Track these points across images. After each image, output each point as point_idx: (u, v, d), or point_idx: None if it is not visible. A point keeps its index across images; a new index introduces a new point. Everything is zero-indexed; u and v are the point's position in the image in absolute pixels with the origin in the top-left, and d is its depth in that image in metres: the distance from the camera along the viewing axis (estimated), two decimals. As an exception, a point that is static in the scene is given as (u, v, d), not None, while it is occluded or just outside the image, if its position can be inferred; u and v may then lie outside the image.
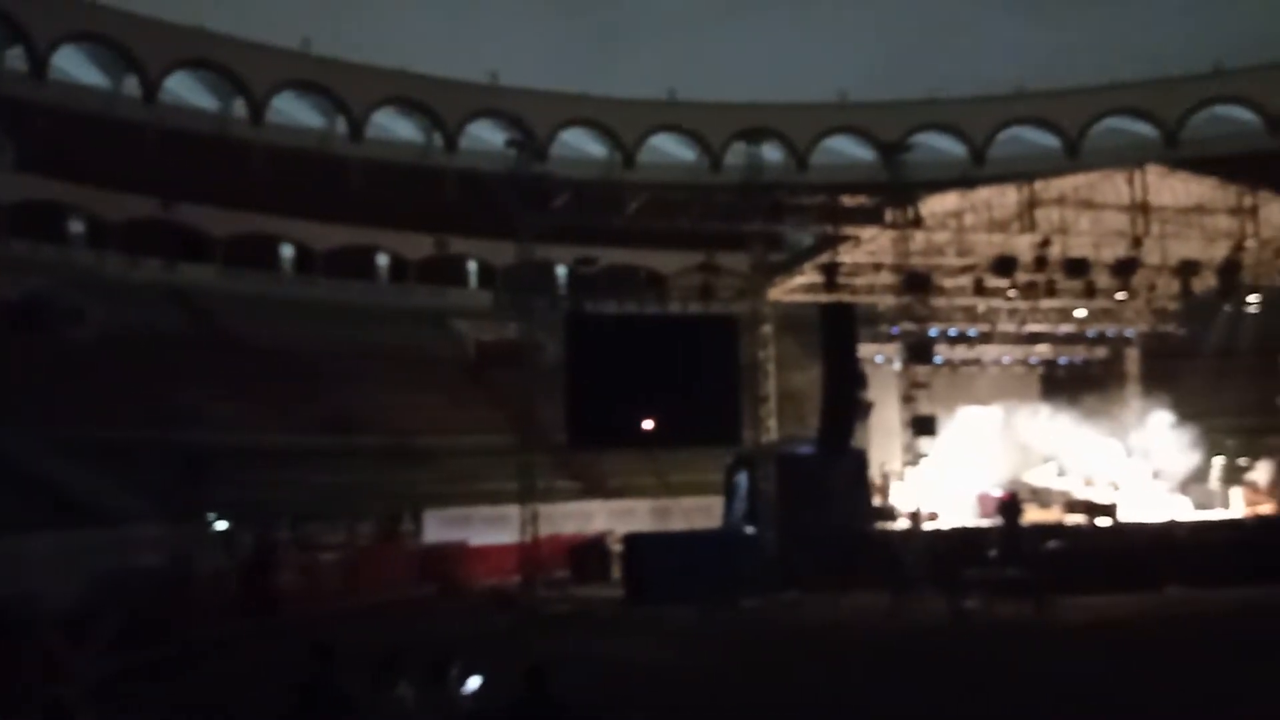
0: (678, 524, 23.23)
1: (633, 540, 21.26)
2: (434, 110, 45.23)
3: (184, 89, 41.36)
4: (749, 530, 20.61)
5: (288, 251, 41.13)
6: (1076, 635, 15.71)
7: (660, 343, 20.42)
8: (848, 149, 47.24)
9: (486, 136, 44.28)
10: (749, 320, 21.52)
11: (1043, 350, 26.44)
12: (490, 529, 24.26)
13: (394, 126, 45.62)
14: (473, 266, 43.97)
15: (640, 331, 20.48)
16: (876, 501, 22.26)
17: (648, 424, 19.79)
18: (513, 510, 20.36)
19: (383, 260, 42.90)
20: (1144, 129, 45.33)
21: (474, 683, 7.76)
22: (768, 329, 21.59)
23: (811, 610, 18.37)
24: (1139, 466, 24.43)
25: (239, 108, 42.02)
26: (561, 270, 32.65)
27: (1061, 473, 24.36)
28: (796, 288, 23.03)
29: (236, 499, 22.43)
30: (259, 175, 39.62)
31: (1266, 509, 22.78)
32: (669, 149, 48.46)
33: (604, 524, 24.83)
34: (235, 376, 29.19)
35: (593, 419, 20.28)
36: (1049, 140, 46.43)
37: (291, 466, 25.71)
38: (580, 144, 47.69)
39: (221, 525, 21.51)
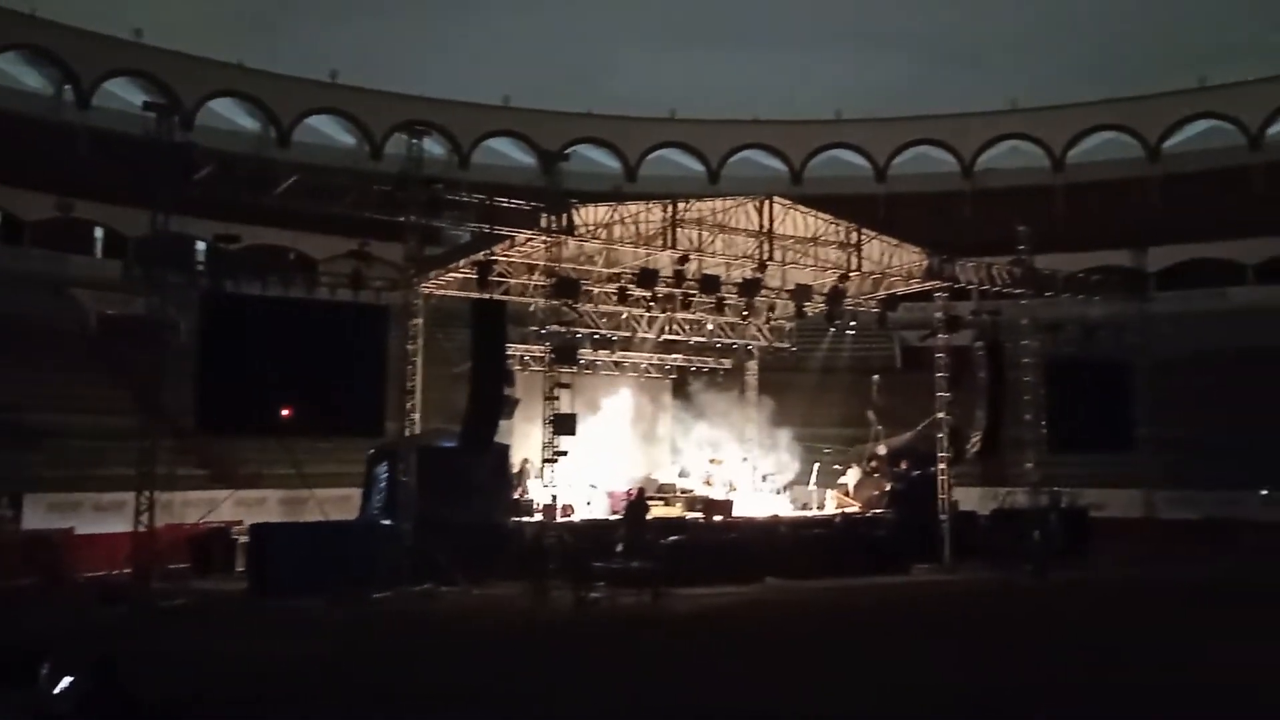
0: (312, 516, 22.62)
1: (259, 530, 20.48)
2: (66, 62, 41.14)
3: None
4: (385, 523, 20.53)
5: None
6: (683, 621, 17.13)
7: (304, 329, 19.81)
8: (509, 152, 48.14)
9: (126, 96, 40.90)
10: (399, 311, 21.44)
11: (676, 358, 28.38)
12: (102, 517, 22.50)
13: (20, 75, 41.02)
14: (100, 233, 40.39)
15: (283, 315, 19.77)
16: (516, 496, 22.92)
17: (285, 412, 19.19)
18: (130, 497, 18.99)
19: (-7, 219, 38.41)
20: (775, 164, 49.79)
21: (66, 682, 7.34)
22: (418, 322, 21.61)
23: (445, 602, 18.65)
24: (752, 468, 26.89)
25: None
26: (201, 246, 30.80)
27: (685, 473, 26.30)
28: (450, 282, 23.27)
29: None
30: None
31: (852, 509, 25.87)
32: (328, 131, 47.07)
33: (231, 514, 23.73)
34: None
35: (226, 404, 19.31)
36: (694, 165, 49.75)
37: None
38: (232, 116, 45.24)
39: None
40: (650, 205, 22.87)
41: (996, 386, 25.79)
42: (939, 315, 26.13)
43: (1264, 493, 27.76)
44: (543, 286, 22.45)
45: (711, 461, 26.56)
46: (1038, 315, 26.75)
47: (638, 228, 22.48)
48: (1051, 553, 23.30)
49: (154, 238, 19.06)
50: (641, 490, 22.54)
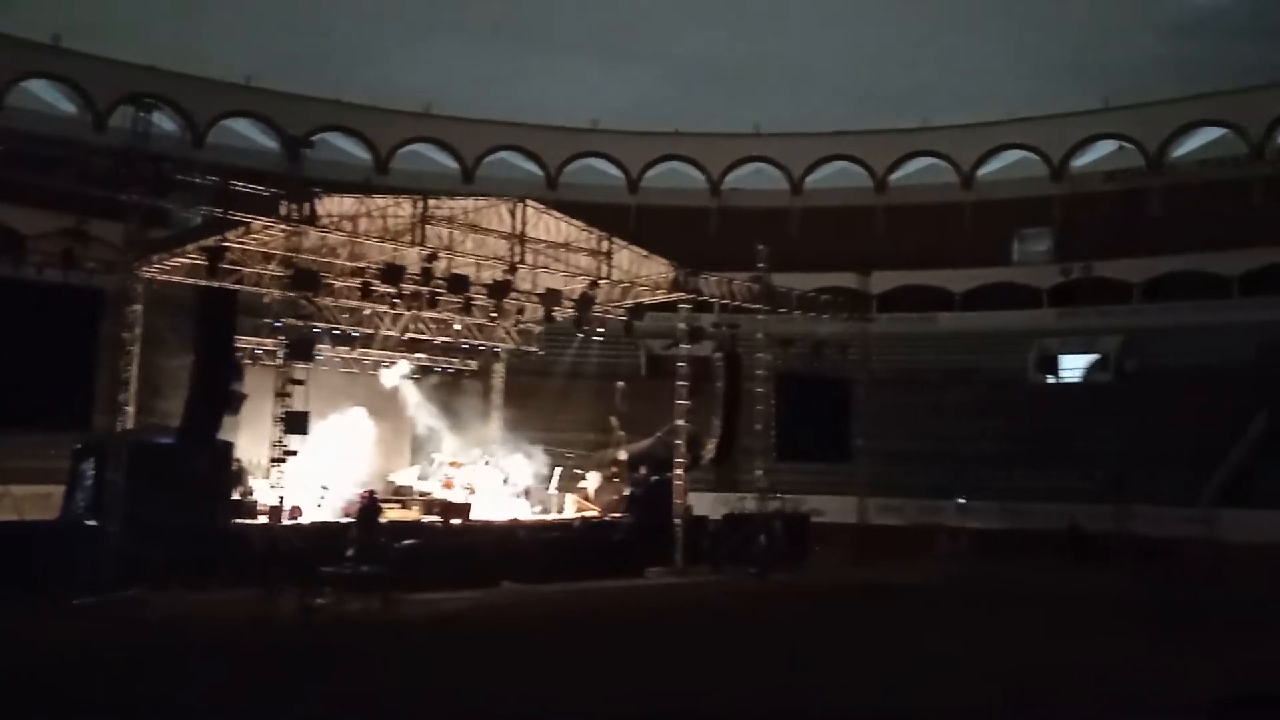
0: (7, 515, 20.61)
1: (-56, 531, 18.48)
2: None
3: None
4: (90, 523, 18.94)
5: None
6: (410, 626, 16.79)
7: (5, 310, 18.06)
8: (250, 134, 45.78)
9: None
10: (116, 296, 19.86)
11: (420, 358, 27.80)
12: None
13: None
14: None
15: (-20, 294, 17.95)
16: (239, 497, 21.71)
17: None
18: None
19: None
20: (530, 168, 49.98)
21: None
22: (137, 308, 20.12)
23: (154, 608, 17.35)
24: (493, 471, 26.73)
25: None
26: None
27: (424, 475, 25.80)
28: (176, 268, 21.81)
29: None
30: None
31: (591, 513, 26.21)
32: (47, 98, 43.15)
33: (-90, 511, 21.24)
34: None
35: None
36: (449, 162, 49.12)
37: None
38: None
39: None
40: (400, 200, 22.31)
41: (733, 396, 26.87)
42: (682, 326, 26.96)
43: (960, 501, 30.37)
44: (280, 277, 21.43)
45: (451, 464, 26.21)
46: (772, 330, 28.12)
47: (386, 222, 21.89)
48: (775, 556, 24.50)
49: None
50: (373, 492, 21.85)
